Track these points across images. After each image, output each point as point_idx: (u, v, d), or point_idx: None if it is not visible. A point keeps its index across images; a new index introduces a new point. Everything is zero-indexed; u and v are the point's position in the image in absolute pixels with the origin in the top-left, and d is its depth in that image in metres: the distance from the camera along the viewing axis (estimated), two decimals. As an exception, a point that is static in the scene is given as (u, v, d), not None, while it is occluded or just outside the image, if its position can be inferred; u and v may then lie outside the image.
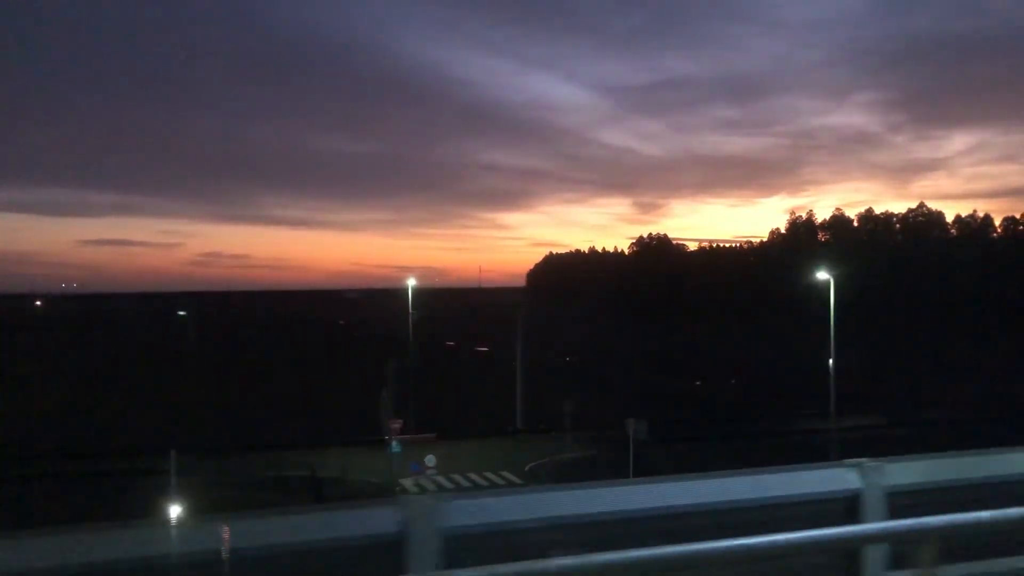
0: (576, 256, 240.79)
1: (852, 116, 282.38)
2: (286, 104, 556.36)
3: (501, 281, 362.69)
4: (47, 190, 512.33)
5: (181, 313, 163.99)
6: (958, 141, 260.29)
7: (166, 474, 22.81)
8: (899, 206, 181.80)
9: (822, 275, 40.97)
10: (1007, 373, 75.79)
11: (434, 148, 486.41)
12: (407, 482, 25.59)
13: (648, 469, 34.54)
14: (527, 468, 38.41)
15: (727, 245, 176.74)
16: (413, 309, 44.63)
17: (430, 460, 25.46)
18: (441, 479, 34.59)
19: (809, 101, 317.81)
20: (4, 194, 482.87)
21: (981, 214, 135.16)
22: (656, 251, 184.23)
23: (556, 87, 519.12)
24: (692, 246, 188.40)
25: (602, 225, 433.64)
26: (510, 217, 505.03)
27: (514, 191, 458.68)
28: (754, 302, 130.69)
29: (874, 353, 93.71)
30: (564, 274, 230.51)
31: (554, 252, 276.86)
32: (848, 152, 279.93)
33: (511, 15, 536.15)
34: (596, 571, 2.60)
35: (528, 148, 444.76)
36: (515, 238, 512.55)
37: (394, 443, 29.21)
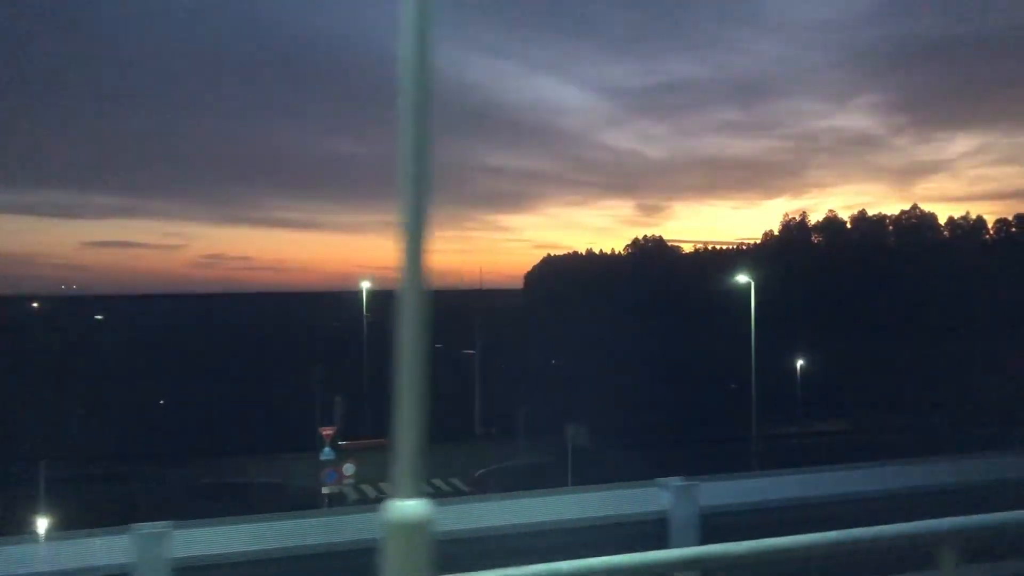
0: (573, 258, 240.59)
1: (854, 119, 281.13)
2: (289, 106, 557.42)
3: (504, 283, 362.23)
4: (49, 192, 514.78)
5: (98, 317, 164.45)
6: (961, 143, 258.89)
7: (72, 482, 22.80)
8: (902, 208, 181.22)
9: (742, 278, 40.67)
10: (994, 377, 75.38)
11: (437, 150, 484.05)
12: (327, 489, 25.42)
13: (589, 477, 34.46)
14: (476, 475, 38.36)
15: (722, 248, 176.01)
16: (367, 312, 44.45)
17: (348, 469, 25.31)
18: (386, 486, 34.50)
19: (812, 103, 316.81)
20: (6, 196, 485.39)
21: (986, 216, 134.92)
22: (650, 253, 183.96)
23: (559, 89, 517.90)
24: (688, 248, 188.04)
25: (605, 227, 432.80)
26: (513, 219, 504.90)
27: (517, 193, 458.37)
28: (744, 304, 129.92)
29: (860, 356, 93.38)
30: (561, 276, 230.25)
31: (551, 254, 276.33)
32: (851, 154, 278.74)
33: (514, 17, 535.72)
34: None
35: (531, 150, 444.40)
36: (518, 240, 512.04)
37: (325, 449, 29.13)
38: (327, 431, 29.40)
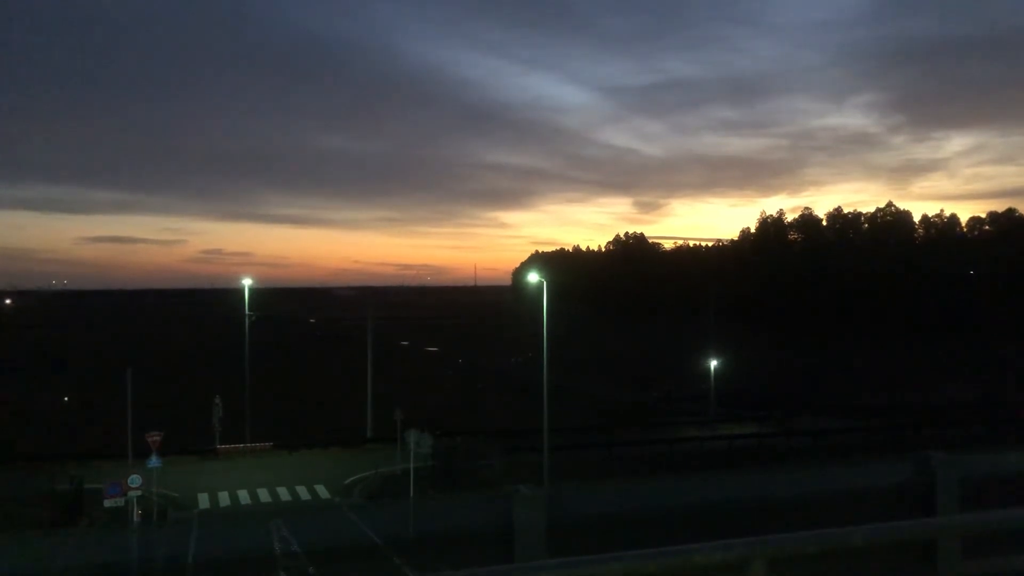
0: (560, 254, 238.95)
1: (851, 117, 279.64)
2: (289, 103, 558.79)
3: (501, 280, 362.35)
4: (49, 187, 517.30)
5: None
6: (957, 142, 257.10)
7: None
8: (899, 206, 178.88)
9: (533, 277, 39.68)
10: (945, 378, 74.09)
11: (436, 147, 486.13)
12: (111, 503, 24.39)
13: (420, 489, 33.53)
14: (347, 482, 37.41)
15: (700, 245, 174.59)
16: (250, 311, 43.21)
17: (134, 480, 24.32)
18: (200, 496, 33.06)
19: (809, 102, 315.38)
20: (5, 191, 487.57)
21: (982, 216, 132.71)
22: (630, 250, 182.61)
23: (558, 87, 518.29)
24: (669, 245, 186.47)
25: (603, 224, 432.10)
26: (512, 216, 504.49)
27: (516, 190, 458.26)
28: (716, 302, 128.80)
29: (823, 356, 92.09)
30: (547, 272, 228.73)
31: (539, 251, 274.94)
32: (848, 153, 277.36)
33: (514, 16, 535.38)
34: None
35: (530, 148, 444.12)
36: (516, 237, 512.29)
37: (152, 457, 28.21)
38: (154, 437, 28.41)
